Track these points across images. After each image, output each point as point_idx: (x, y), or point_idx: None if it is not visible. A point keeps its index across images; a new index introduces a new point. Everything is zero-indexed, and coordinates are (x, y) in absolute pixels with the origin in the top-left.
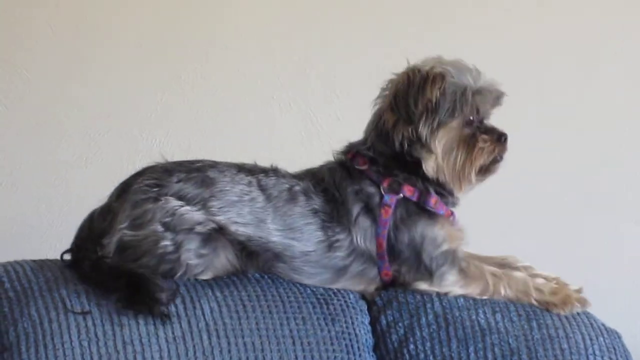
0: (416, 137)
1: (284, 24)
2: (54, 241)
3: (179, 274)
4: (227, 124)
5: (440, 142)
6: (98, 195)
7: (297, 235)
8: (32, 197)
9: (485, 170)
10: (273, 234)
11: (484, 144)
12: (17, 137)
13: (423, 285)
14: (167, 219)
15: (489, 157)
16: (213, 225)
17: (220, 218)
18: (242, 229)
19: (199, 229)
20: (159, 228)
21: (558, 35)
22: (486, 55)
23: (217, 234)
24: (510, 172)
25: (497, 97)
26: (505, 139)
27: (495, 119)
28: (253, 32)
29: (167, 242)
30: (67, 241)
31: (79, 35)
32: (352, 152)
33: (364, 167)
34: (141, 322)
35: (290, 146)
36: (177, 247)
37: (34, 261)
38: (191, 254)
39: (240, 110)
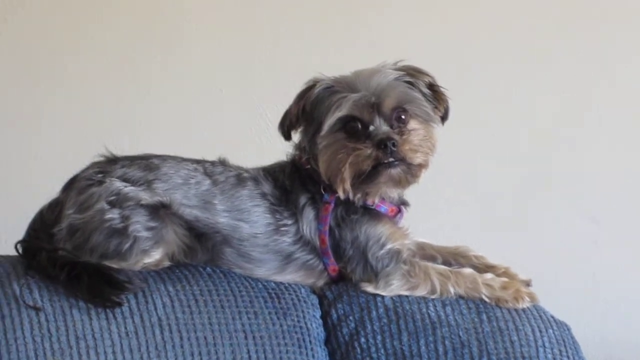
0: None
1: (232, 18)
2: (3, 236)
3: (127, 247)
4: (174, 118)
5: (321, 149)
6: (48, 191)
7: (245, 216)
8: None
9: (372, 176)
10: (220, 214)
11: (359, 150)
12: None
13: (369, 288)
14: (112, 198)
15: (367, 162)
16: (159, 198)
17: (166, 199)
18: (188, 210)
19: (145, 202)
20: (105, 206)
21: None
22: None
23: (165, 209)
24: (468, 164)
25: (374, 104)
26: (385, 146)
27: (454, 114)
28: (201, 27)
29: (113, 216)
30: (17, 237)
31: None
32: (301, 152)
33: (307, 167)
34: (94, 317)
35: (239, 141)
36: (124, 219)
37: None
38: (139, 226)
39: (188, 104)
